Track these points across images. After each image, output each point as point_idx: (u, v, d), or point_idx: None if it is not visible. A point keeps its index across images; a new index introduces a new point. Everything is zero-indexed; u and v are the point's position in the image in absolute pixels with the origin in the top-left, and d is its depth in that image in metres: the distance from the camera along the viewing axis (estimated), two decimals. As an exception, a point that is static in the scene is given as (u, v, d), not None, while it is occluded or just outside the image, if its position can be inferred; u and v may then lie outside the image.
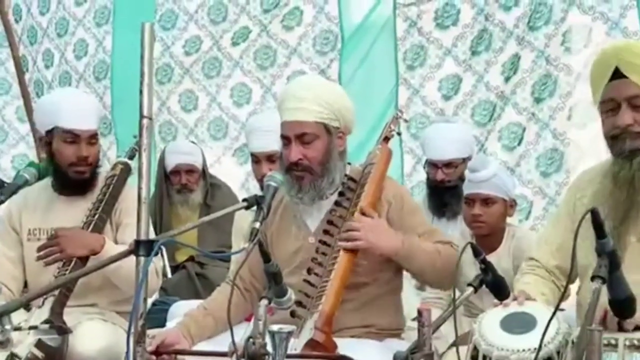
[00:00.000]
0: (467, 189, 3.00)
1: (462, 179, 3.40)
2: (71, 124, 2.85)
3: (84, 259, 2.69)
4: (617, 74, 2.04)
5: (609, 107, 2.07)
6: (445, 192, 3.45)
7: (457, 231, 3.30)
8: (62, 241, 2.68)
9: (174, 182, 4.05)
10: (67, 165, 2.88)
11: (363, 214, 2.38)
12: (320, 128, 2.43)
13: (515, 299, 1.99)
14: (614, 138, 2.08)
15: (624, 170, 2.04)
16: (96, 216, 2.82)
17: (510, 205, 2.96)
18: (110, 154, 4.88)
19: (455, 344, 2.26)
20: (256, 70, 4.72)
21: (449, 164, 3.46)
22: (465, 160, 3.47)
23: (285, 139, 2.46)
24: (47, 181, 2.99)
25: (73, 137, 2.86)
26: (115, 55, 5.01)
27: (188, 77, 4.88)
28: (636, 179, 2.03)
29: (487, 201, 2.90)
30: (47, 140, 2.92)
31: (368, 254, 2.40)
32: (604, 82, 2.07)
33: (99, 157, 2.97)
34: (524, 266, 2.35)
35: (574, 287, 2.30)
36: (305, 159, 2.42)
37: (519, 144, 4.06)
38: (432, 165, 3.52)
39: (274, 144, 2.91)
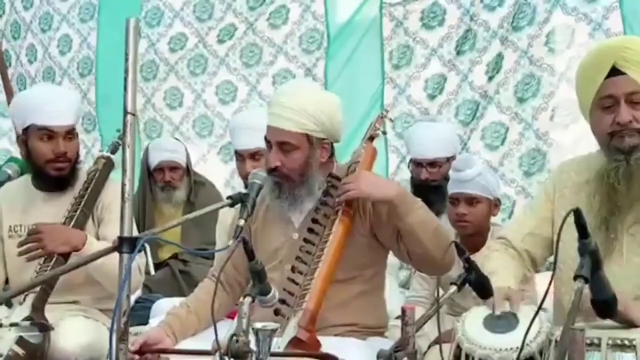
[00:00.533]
0: (452, 189, 3.01)
1: (446, 178, 3.42)
2: (46, 120, 2.81)
3: (65, 256, 2.67)
4: (614, 72, 2.05)
5: (606, 104, 2.08)
6: (430, 191, 3.46)
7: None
8: (44, 237, 2.66)
9: (157, 179, 4.03)
10: (44, 163, 2.84)
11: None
12: (303, 140, 2.41)
13: (508, 298, 1.98)
14: (611, 135, 2.09)
15: (622, 167, 2.06)
16: (78, 212, 2.80)
17: (495, 205, 2.98)
18: (95, 151, 4.85)
19: (437, 342, 2.28)
20: (242, 69, 4.71)
21: (433, 163, 3.47)
22: (449, 160, 3.48)
23: (268, 143, 2.47)
24: (27, 177, 2.96)
25: (49, 134, 2.82)
26: (100, 52, 4.98)
27: (173, 75, 4.86)
28: (635, 175, 2.05)
29: (472, 201, 2.92)
30: (24, 139, 2.88)
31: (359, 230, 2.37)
32: (601, 80, 2.07)
33: (78, 153, 2.93)
34: (493, 244, 2.35)
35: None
36: (284, 167, 2.42)
37: (503, 143, 4.08)
38: (416, 164, 3.53)
39: (258, 142, 2.90)
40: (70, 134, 2.86)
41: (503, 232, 2.38)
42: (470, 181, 2.91)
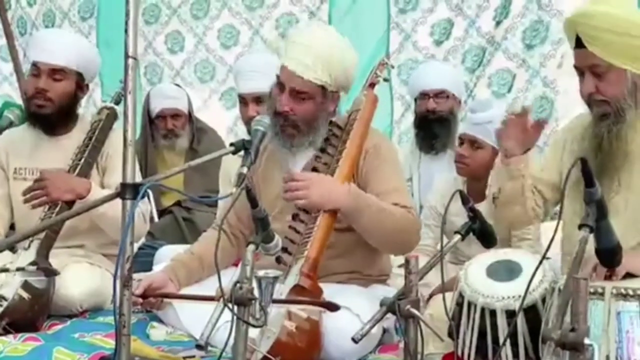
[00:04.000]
0: (461, 129, 2.99)
1: (452, 113, 3.40)
2: (36, 56, 2.82)
3: (69, 203, 2.66)
4: (580, 43, 2.07)
5: (577, 72, 2.12)
6: (435, 123, 3.42)
7: (444, 166, 3.31)
8: (48, 184, 2.65)
9: (159, 127, 4.00)
10: (28, 99, 2.84)
11: (314, 169, 2.30)
12: (318, 91, 2.39)
13: None
14: (586, 102, 2.13)
15: (598, 132, 2.09)
16: (82, 160, 2.79)
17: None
18: (95, 96, 4.81)
19: (439, 291, 2.28)
20: (244, 12, 4.63)
21: (440, 94, 3.44)
22: (455, 97, 3.45)
23: (280, 84, 2.42)
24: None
25: (36, 69, 2.81)
26: (102, -5, 4.90)
27: (175, 18, 4.79)
28: (604, 140, 2.07)
29: (474, 144, 2.87)
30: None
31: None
32: (572, 48, 2.11)
33: (68, 97, 2.86)
34: None
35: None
36: (293, 114, 2.39)
37: (509, 91, 4.03)
38: (423, 95, 3.48)
39: (262, 86, 2.86)
40: (57, 74, 2.81)
41: None
42: (479, 124, 2.87)
